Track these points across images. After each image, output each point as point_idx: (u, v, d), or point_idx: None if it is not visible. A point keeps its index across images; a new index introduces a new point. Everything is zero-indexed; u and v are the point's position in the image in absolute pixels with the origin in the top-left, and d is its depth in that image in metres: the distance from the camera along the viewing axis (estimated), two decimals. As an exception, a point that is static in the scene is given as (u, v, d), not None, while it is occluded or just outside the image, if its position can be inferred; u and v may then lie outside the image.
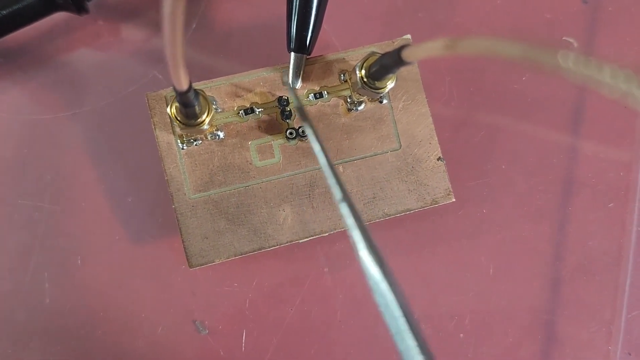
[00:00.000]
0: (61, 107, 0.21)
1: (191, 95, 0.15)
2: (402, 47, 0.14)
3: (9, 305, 0.21)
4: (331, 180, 0.15)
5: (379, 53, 0.17)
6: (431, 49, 0.12)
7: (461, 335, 0.22)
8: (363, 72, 0.17)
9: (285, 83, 0.19)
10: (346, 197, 0.14)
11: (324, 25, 0.19)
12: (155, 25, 0.22)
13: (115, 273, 0.21)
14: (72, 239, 0.21)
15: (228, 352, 0.21)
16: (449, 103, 0.22)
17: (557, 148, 0.23)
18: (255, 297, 0.21)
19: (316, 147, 0.16)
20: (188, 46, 0.22)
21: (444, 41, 0.12)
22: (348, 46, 0.20)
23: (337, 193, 0.15)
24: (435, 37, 0.23)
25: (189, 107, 0.16)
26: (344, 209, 0.14)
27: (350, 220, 0.14)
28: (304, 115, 0.17)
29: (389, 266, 0.13)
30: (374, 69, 0.17)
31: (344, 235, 0.21)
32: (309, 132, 0.16)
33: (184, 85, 0.14)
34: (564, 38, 0.23)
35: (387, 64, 0.16)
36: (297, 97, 0.18)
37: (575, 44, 0.23)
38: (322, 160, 0.15)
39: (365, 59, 0.17)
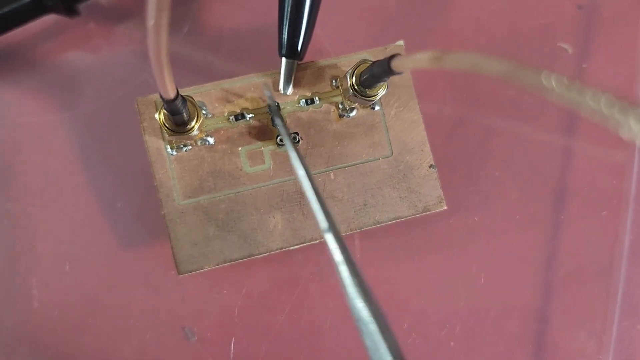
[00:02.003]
0: (51, 110, 0.21)
1: (178, 102, 0.15)
2: (392, 57, 0.14)
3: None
4: (315, 206, 0.13)
5: (370, 60, 0.17)
6: (419, 60, 0.12)
7: (452, 343, 0.22)
8: (354, 79, 0.17)
9: (267, 96, 0.18)
10: (333, 227, 0.13)
11: (317, 30, 0.19)
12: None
13: (104, 278, 0.21)
14: (61, 244, 0.21)
15: (217, 359, 0.21)
16: (443, 109, 0.22)
17: (550, 155, 0.23)
18: (245, 304, 0.21)
19: (298, 169, 0.15)
20: (180, 50, 0.22)
21: (432, 53, 0.12)
22: (341, 51, 0.19)
23: (322, 221, 0.13)
24: (429, 42, 0.23)
25: (177, 114, 0.16)
26: (330, 241, 0.13)
27: (338, 255, 0.13)
28: (285, 133, 0.17)
29: (378, 305, 0.12)
30: (364, 77, 0.17)
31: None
32: (290, 152, 0.15)
33: (170, 94, 0.14)
34: (558, 44, 0.23)
35: (377, 73, 0.15)
36: (279, 114, 0.17)
37: (570, 50, 0.23)
38: (305, 184, 0.14)
39: (357, 67, 0.17)
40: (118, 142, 0.21)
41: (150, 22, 0.10)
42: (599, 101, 0.08)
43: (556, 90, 0.08)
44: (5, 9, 0.19)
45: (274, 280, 0.21)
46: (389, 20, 0.23)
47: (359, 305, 0.12)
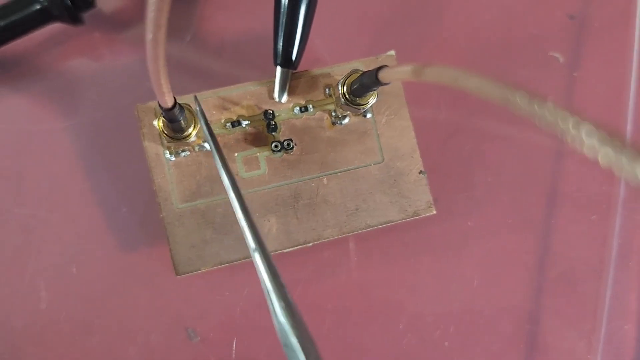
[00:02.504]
0: (56, 117, 0.22)
1: (176, 111, 0.15)
2: (379, 68, 0.15)
3: (6, 311, 0.21)
4: (242, 223, 0.13)
5: (360, 70, 0.18)
6: (402, 72, 0.13)
7: (446, 343, 0.22)
8: (345, 88, 0.18)
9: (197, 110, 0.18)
10: (261, 245, 0.13)
11: (312, 39, 0.20)
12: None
13: (109, 281, 0.21)
14: (68, 247, 0.21)
15: (219, 359, 0.21)
16: (437, 115, 0.23)
17: (541, 160, 0.23)
18: (246, 306, 0.22)
19: (223, 178, 0.14)
20: (179, 56, 0.22)
21: (413, 67, 0.12)
22: (335, 60, 0.20)
23: (250, 241, 0.13)
24: (422, 51, 0.23)
25: (175, 122, 0.16)
26: (258, 261, 0.13)
27: (266, 276, 0.13)
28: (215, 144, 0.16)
29: (308, 333, 0.12)
30: (355, 87, 0.17)
31: (331, 244, 0.22)
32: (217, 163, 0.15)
33: (168, 104, 0.14)
34: (550, 53, 0.23)
35: (366, 83, 0.16)
36: (204, 118, 0.17)
37: (561, 59, 0.23)
38: (234, 203, 0.14)
39: (347, 76, 0.18)
40: (123, 148, 0.22)
41: (149, 36, 0.11)
42: (567, 121, 0.08)
43: (529, 111, 0.09)
44: (12, 18, 0.20)
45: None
46: (382, 29, 0.23)
47: (286, 328, 0.12)
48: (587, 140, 0.08)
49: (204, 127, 0.16)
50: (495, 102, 0.09)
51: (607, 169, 0.08)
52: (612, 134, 0.08)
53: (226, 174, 0.15)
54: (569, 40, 0.24)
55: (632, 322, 0.23)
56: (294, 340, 0.12)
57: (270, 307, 0.13)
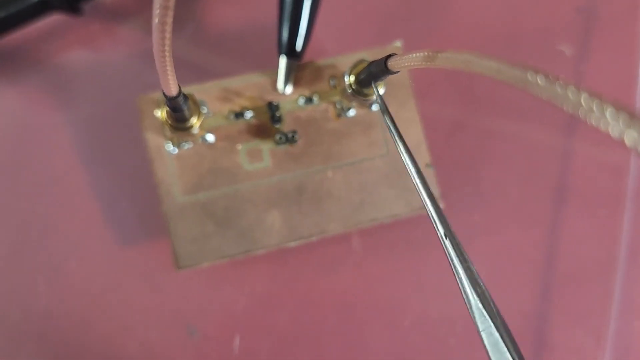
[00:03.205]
0: (55, 110, 0.21)
1: (180, 100, 0.15)
2: (389, 56, 0.14)
3: (4, 306, 0.21)
4: (431, 209, 0.14)
5: (367, 60, 0.17)
6: (414, 59, 0.13)
7: (452, 340, 0.22)
8: (352, 79, 0.17)
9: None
10: (449, 232, 0.14)
11: (316, 30, 0.19)
12: (151, 27, 0.22)
13: (109, 276, 0.21)
14: (67, 242, 0.21)
15: (220, 356, 0.21)
16: (444, 110, 0.23)
17: (549, 155, 0.23)
18: (248, 302, 0.21)
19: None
20: (183, 49, 0.22)
21: (425, 53, 0.12)
22: (340, 51, 0.20)
23: (440, 227, 0.14)
24: (427, 43, 0.23)
25: (179, 111, 0.16)
26: (449, 247, 0.14)
27: (457, 262, 0.13)
28: None
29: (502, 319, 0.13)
30: (362, 77, 0.17)
31: (335, 239, 0.21)
32: None
33: (173, 91, 0.14)
34: (557, 47, 0.23)
35: (374, 72, 0.16)
36: None
37: (568, 53, 0.23)
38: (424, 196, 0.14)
39: (354, 66, 0.17)
40: (123, 140, 0.21)
41: (155, 20, 0.11)
42: (578, 96, 0.08)
43: (541, 86, 0.09)
44: (10, 8, 0.20)
45: (277, 279, 0.22)
46: (388, 20, 0.23)
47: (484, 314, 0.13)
48: (612, 122, 0.08)
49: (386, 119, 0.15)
50: (513, 84, 0.09)
51: (632, 148, 0.08)
52: (634, 116, 0.08)
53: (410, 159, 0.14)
54: (576, 34, 0.23)
55: (641, 319, 0.23)
56: (492, 326, 0.12)
57: (464, 295, 0.13)
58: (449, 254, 0.13)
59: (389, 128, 0.15)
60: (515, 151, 0.23)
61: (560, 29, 0.23)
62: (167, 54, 0.12)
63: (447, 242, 0.14)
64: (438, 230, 0.14)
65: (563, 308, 0.22)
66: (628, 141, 0.08)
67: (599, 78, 0.23)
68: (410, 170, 0.14)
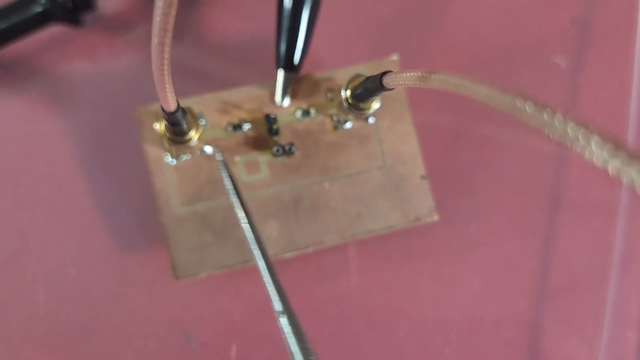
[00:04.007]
0: (55, 120, 0.22)
1: (179, 115, 0.15)
2: (384, 73, 0.15)
3: (4, 314, 0.21)
4: (270, 287, 0.14)
5: (364, 75, 0.17)
6: (408, 78, 0.13)
7: (447, 349, 0.22)
8: (348, 93, 0.18)
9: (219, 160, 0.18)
10: (287, 310, 0.13)
11: (314, 42, 0.19)
12: (151, 38, 0.22)
13: (108, 285, 0.21)
14: (66, 250, 0.21)
15: (217, 363, 0.21)
16: (440, 120, 0.23)
17: (544, 165, 0.23)
18: (246, 310, 0.22)
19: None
20: (181, 59, 0.22)
21: (419, 73, 0.12)
22: (338, 64, 0.20)
23: (277, 304, 0.14)
24: (425, 55, 0.23)
25: (177, 125, 0.16)
26: (285, 325, 0.13)
27: (293, 341, 0.13)
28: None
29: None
30: (358, 91, 0.17)
31: (331, 250, 0.22)
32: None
33: (172, 108, 0.14)
34: (552, 59, 0.23)
35: (370, 88, 0.16)
36: (228, 171, 0.17)
37: (563, 65, 0.23)
38: (263, 271, 0.14)
39: (350, 81, 0.18)
40: (122, 151, 0.21)
41: (155, 40, 0.11)
42: (565, 125, 0.08)
43: (530, 115, 0.09)
44: (12, 19, 0.20)
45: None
46: (385, 34, 0.23)
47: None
48: (597, 151, 0.08)
49: (227, 183, 0.16)
50: (503, 110, 0.09)
51: (615, 178, 0.08)
52: (619, 146, 0.08)
53: (254, 235, 0.15)
54: (571, 45, 0.24)
55: (634, 329, 0.23)
56: None
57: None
58: (284, 334, 0.13)
59: (227, 188, 0.16)
60: (510, 162, 0.23)
61: (556, 40, 0.24)
62: (166, 72, 0.12)
63: (284, 321, 0.14)
64: (274, 306, 0.14)
65: (557, 317, 0.23)
66: (612, 170, 0.08)
67: (594, 89, 0.24)
68: (249, 240, 0.15)
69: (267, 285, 0.14)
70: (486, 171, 0.23)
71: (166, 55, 0.11)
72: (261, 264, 0.14)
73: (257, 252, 0.15)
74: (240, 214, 0.15)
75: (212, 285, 0.21)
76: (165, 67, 0.12)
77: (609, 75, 0.24)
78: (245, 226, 0.15)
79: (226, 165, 0.17)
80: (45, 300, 0.21)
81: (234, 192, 0.16)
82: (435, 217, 0.19)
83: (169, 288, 0.21)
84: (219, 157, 0.17)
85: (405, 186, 0.19)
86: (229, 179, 0.16)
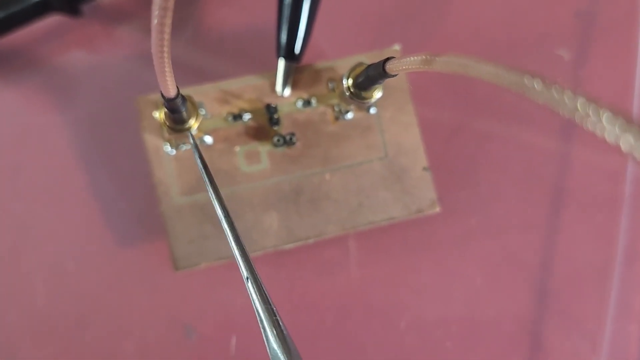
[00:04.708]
0: (54, 111, 0.21)
1: (179, 101, 0.15)
2: (387, 60, 0.14)
3: (2, 307, 0.21)
4: (235, 251, 0.14)
5: (365, 63, 0.17)
6: (412, 62, 0.13)
7: (448, 343, 0.22)
8: (350, 82, 0.17)
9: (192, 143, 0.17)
10: (252, 273, 0.14)
11: (315, 32, 0.19)
12: (150, 29, 0.22)
13: (106, 277, 0.21)
14: (65, 242, 0.21)
15: (217, 356, 0.21)
16: (442, 113, 0.23)
17: (547, 160, 0.23)
18: (245, 303, 0.21)
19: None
20: (181, 52, 0.22)
21: (424, 56, 0.12)
22: (338, 54, 0.20)
23: (243, 269, 0.14)
24: (426, 47, 0.23)
25: (177, 113, 0.16)
26: (251, 288, 0.14)
27: (258, 303, 0.14)
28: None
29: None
30: (360, 80, 0.17)
31: (332, 242, 0.21)
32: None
33: (171, 93, 0.14)
34: (555, 52, 0.23)
35: (372, 75, 0.16)
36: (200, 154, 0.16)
37: (566, 57, 0.23)
38: (227, 232, 0.15)
39: (352, 69, 0.18)
40: (121, 141, 0.21)
41: (154, 21, 0.11)
42: (575, 101, 0.08)
43: (537, 91, 0.09)
44: (10, 8, 0.20)
45: (274, 280, 0.22)
46: (386, 24, 0.23)
47: (279, 354, 0.14)
48: (608, 127, 0.08)
49: (198, 161, 0.16)
50: (510, 88, 0.09)
51: (628, 153, 0.08)
52: (631, 120, 0.08)
53: (219, 205, 0.15)
54: (574, 38, 0.23)
55: (637, 323, 0.23)
56: None
57: (263, 334, 0.14)
58: (251, 296, 0.14)
59: (200, 169, 0.16)
60: (512, 155, 0.23)
61: (559, 33, 0.23)
62: (165, 55, 0.12)
63: (250, 285, 0.14)
64: (242, 272, 0.14)
65: (559, 312, 0.23)
66: (624, 146, 0.08)
67: (597, 82, 0.23)
68: (219, 214, 0.15)
69: (233, 250, 0.15)
70: (489, 164, 0.23)
71: (166, 37, 0.11)
72: (225, 226, 0.15)
73: (220, 213, 0.15)
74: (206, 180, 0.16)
75: (211, 277, 0.21)
76: (165, 49, 0.12)
77: (612, 67, 0.23)
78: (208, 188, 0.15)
79: (195, 144, 0.17)
80: (44, 293, 0.21)
81: (203, 168, 0.16)
82: (437, 209, 0.19)
83: (168, 280, 0.21)
84: (190, 139, 0.17)
85: (407, 177, 0.19)
86: (197, 156, 0.16)
